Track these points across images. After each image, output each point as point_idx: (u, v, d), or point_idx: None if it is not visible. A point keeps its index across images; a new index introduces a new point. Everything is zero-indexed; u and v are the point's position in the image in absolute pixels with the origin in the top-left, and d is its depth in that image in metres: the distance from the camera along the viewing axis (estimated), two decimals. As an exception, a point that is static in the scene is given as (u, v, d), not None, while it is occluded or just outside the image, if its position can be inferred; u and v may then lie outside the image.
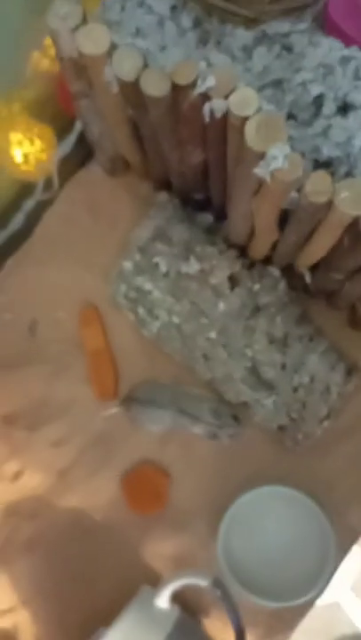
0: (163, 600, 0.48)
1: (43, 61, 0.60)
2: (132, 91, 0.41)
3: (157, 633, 0.46)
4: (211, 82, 0.39)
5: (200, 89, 0.39)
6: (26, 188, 0.61)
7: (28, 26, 0.56)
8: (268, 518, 0.52)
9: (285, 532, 0.52)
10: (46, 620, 0.55)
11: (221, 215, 0.55)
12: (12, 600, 0.55)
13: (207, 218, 0.58)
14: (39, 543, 0.55)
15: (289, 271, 0.53)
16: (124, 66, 0.40)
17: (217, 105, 0.39)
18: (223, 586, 0.47)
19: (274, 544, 0.52)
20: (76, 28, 0.40)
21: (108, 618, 0.50)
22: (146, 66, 0.40)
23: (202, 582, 0.48)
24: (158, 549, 0.54)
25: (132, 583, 0.52)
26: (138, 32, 0.43)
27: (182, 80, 0.39)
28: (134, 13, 0.44)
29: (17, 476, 0.56)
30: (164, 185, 0.57)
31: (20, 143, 0.60)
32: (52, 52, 0.54)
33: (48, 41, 0.57)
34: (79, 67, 0.43)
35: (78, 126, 0.60)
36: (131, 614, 0.47)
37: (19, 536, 0.55)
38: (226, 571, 0.50)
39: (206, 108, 0.40)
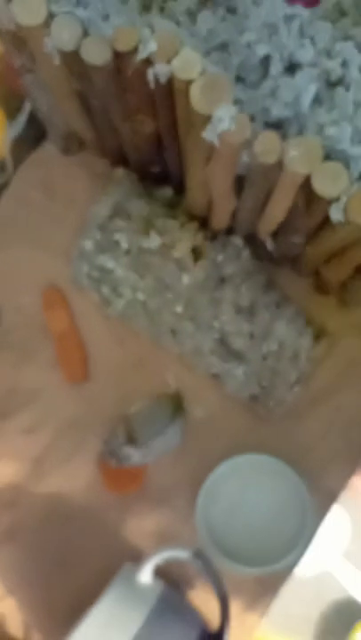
0: (145, 575, 0.48)
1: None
2: (74, 61, 0.40)
3: (141, 608, 0.46)
4: (152, 47, 0.38)
5: (142, 54, 0.38)
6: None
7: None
8: (246, 487, 0.52)
9: (263, 499, 0.52)
10: (34, 606, 0.55)
11: (180, 187, 0.54)
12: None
13: (166, 191, 0.57)
14: (19, 532, 0.55)
15: (252, 240, 0.53)
16: (64, 35, 0.39)
17: (160, 69, 0.38)
18: (204, 556, 0.47)
19: (253, 512, 0.52)
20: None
21: (94, 599, 0.50)
22: (86, 35, 0.39)
23: (183, 554, 0.48)
24: (139, 527, 0.54)
25: (116, 563, 0.52)
26: (78, 1, 0.42)
27: (123, 47, 0.38)
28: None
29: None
30: (121, 160, 0.56)
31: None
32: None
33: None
34: (19, 39, 0.42)
35: (29, 105, 0.59)
36: (114, 591, 0.47)
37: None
38: (206, 540, 0.50)
39: (150, 73, 0.39)
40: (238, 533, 0.51)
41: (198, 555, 0.47)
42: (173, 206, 0.56)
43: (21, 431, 0.55)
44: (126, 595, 0.47)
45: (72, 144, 0.57)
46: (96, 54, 0.39)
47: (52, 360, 0.56)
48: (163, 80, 0.39)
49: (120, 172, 0.55)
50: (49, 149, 0.59)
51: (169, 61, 0.38)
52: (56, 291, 0.57)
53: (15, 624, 0.55)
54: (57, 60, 0.41)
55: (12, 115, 0.59)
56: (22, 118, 0.59)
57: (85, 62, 0.39)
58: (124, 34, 0.38)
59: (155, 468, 0.54)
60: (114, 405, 0.55)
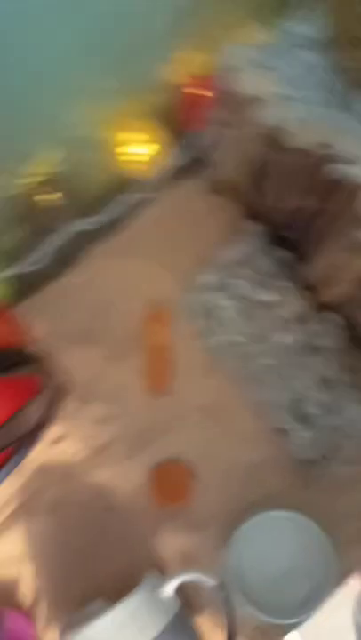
0: (170, 589, 0.52)
1: (175, 74, 0.65)
2: (274, 135, 0.46)
3: (160, 618, 0.50)
4: (341, 146, 0.44)
5: (330, 150, 0.44)
6: (130, 184, 0.65)
7: (172, 39, 0.61)
8: (279, 539, 0.56)
9: (292, 555, 0.56)
10: (48, 579, 0.59)
11: (303, 256, 0.59)
12: (22, 550, 0.59)
13: (286, 254, 0.63)
14: (61, 508, 0.59)
15: (353, 323, 0.58)
16: (275, 112, 0.45)
17: (342, 168, 0.44)
18: (228, 590, 0.51)
19: (279, 565, 0.55)
20: (240, 69, 0.45)
21: (106, 591, 0.54)
22: (293, 117, 0.45)
23: (209, 582, 0.52)
24: (169, 542, 0.58)
25: (136, 567, 0.56)
26: (290, 83, 0.48)
27: (316, 139, 0.44)
28: (292, 65, 0.48)
29: (58, 440, 0.60)
30: (258, 216, 0.61)
31: (137, 142, 0.65)
32: (185, 68, 0.60)
33: (181, 56, 0.63)
34: (232, 100, 0.48)
35: (192, 139, 0.65)
36: (139, 595, 0.51)
37: (44, 495, 0.59)
38: (232, 578, 0.54)
39: (332, 167, 0.44)
40: (260, 579, 0.55)
41: (223, 587, 0.51)
42: (290, 267, 0.61)
43: (93, 419, 0.60)
44: (150, 602, 0.51)
45: (222, 187, 0.63)
46: (295, 137, 0.45)
47: (139, 367, 0.61)
48: (339, 174, 0.44)
49: (255, 226, 0.61)
50: (198, 184, 0.65)
51: (352, 162, 0.44)
52: (164, 307, 0.62)
53: (25, 591, 0.59)
54: (259, 130, 0.47)
55: (175, 142, 0.66)
56: (183, 149, 0.66)
57: (284, 141, 0.45)
58: (321, 128, 0.44)
59: (199, 494, 0.58)
60: (180, 424, 0.60)
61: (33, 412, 0.46)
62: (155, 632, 0.49)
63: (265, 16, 0.57)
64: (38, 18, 0.53)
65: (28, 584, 0.59)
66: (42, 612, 0.58)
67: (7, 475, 0.55)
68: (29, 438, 0.51)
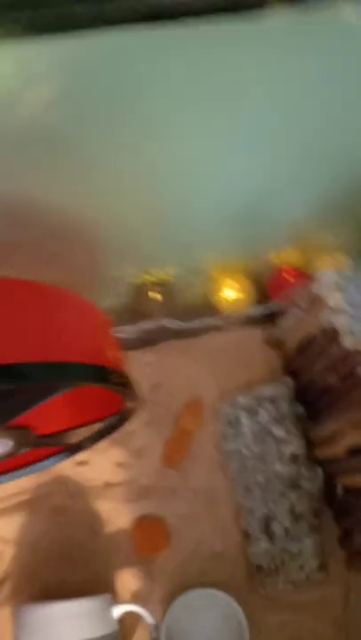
0: (118, 611, 0.64)
1: (279, 257, 0.89)
2: (330, 331, 0.68)
3: (100, 628, 0.62)
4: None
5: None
6: (216, 311, 0.87)
7: (288, 232, 0.86)
8: (208, 616, 0.69)
9: (216, 632, 0.68)
10: (21, 567, 0.71)
11: (313, 415, 0.78)
12: (12, 535, 0.72)
13: (299, 409, 0.82)
14: (58, 515, 0.73)
15: (331, 479, 0.75)
16: (336, 319, 0.67)
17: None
18: (159, 635, 0.64)
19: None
20: (325, 283, 0.68)
21: (65, 595, 0.66)
22: (349, 327, 0.66)
23: (149, 620, 0.64)
24: (129, 579, 0.71)
25: (98, 585, 0.69)
26: (353, 304, 0.71)
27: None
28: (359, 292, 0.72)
29: (82, 463, 0.76)
30: (293, 373, 0.82)
31: (231, 286, 0.88)
32: (288, 256, 0.84)
33: (290, 247, 0.88)
34: (309, 295, 0.71)
35: (271, 306, 0.88)
36: (92, 602, 0.63)
37: (51, 499, 0.74)
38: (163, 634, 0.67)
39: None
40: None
41: (157, 629, 0.63)
42: (302, 419, 0.79)
43: (115, 460, 0.76)
44: (97, 611, 0.63)
45: (275, 345, 0.84)
46: (347, 340, 0.66)
47: (165, 439, 0.78)
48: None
49: (288, 379, 0.81)
50: (260, 334, 0.86)
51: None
52: (200, 403, 0.81)
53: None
54: (321, 324, 0.69)
55: (256, 298, 0.88)
56: (262, 308, 0.88)
57: (336, 339, 0.67)
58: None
59: (170, 554, 0.72)
60: (174, 495, 0.75)
61: (100, 427, 0.63)
62: (91, 635, 0.61)
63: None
64: (202, 188, 0.77)
65: (3, 562, 0.71)
66: (3, 591, 0.70)
67: (37, 470, 0.70)
68: (78, 448, 0.67)
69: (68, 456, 0.67)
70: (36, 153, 0.59)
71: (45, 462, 0.67)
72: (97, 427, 0.62)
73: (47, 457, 0.67)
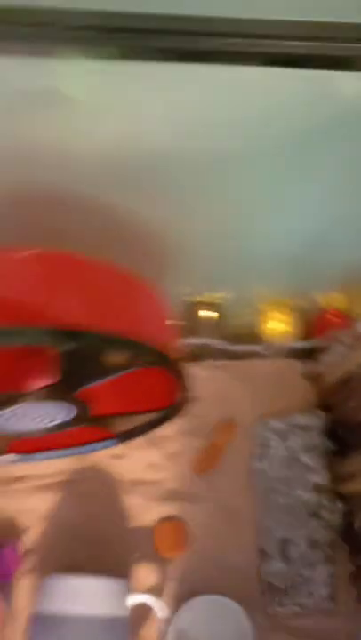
0: (136, 599, 0.68)
1: (327, 299, 0.94)
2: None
3: (114, 608, 0.65)
4: None
5: None
6: (262, 338, 0.92)
7: (338, 277, 0.92)
8: (215, 621, 0.71)
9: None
10: (51, 541, 0.75)
11: (342, 451, 0.81)
12: (47, 510, 0.76)
13: (330, 445, 0.85)
14: (90, 499, 0.78)
15: (352, 515, 0.77)
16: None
17: None
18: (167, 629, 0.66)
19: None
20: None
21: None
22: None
23: (163, 611, 0.67)
24: (142, 575, 0.74)
25: (117, 571, 0.72)
26: None
27: None
28: None
29: (117, 456, 0.80)
30: (328, 409, 0.85)
31: (278, 319, 0.94)
32: (335, 299, 0.89)
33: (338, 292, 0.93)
34: (354, 334, 0.76)
35: (314, 342, 0.92)
36: (113, 582, 0.67)
37: (84, 484, 0.79)
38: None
39: None
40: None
41: (167, 623, 0.66)
42: (330, 454, 0.82)
43: (149, 460, 0.81)
44: (115, 593, 0.67)
45: (314, 380, 0.88)
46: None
47: (199, 450, 0.82)
48: None
49: (322, 414, 0.85)
50: (302, 366, 0.90)
51: None
52: (235, 422, 0.85)
53: (28, 538, 0.75)
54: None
55: (300, 331, 0.93)
56: (304, 342, 0.93)
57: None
58: None
59: (188, 557, 0.75)
60: (198, 502, 0.79)
61: (151, 417, 0.67)
62: (106, 612, 0.64)
63: None
64: (265, 228, 0.83)
65: (34, 535, 0.75)
66: (30, 560, 0.74)
67: (85, 452, 0.75)
68: (127, 437, 0.71)
69: (115, 443, 0.71)
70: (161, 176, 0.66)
71: (94, 445, 0.72)
72: (147, 417, 0.67)
73: (97, 441, 0.72)
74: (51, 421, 0.59)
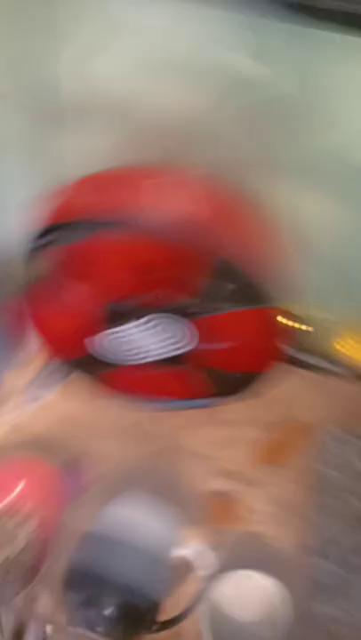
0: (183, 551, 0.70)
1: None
2: None
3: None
4: None
5: None
6: (333, 356, 0.97)
7: None
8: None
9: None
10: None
11: None
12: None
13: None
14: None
15: None
16: None
17: None
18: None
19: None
20: None
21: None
22: None
23: (204, 567, 0.69)
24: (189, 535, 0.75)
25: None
26: None
27: None
28: None
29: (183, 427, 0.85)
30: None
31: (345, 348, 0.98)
32: None
33: None
34: None
35: None
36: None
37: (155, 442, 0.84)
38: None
39: None
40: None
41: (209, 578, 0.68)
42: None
43: (208, 438, 0.86)
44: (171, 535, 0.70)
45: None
46: None
47: (262, 440, 0.86)
48: None
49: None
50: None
51: None
52: (307, 426, 0.88)
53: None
54: None
55: None
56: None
57: None
58: None
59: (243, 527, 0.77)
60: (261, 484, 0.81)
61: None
62: (153, 549, 0.68)
63: None
64: None
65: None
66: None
67: (193, 407, 0.81)
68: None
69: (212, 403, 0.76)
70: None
71: (202, 401, 0.78)
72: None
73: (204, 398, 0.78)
74: (174, 347, 0.65)
